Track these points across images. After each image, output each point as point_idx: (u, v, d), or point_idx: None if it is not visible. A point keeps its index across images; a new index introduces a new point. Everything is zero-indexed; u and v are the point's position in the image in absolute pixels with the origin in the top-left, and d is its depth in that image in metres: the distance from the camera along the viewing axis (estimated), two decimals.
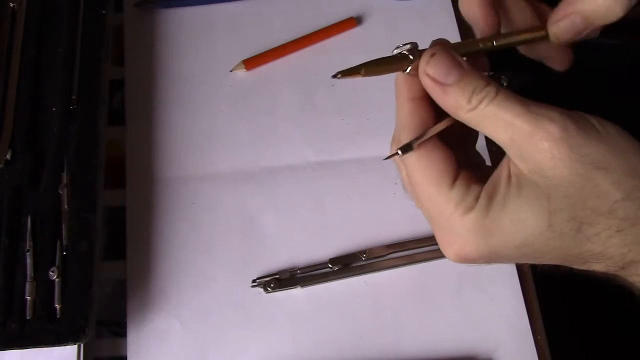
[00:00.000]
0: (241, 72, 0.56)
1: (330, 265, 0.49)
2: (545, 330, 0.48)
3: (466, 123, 0.34)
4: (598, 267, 0.35)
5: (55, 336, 0.44)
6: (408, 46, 0.35)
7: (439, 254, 0.50)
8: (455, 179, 0.35)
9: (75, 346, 0.46)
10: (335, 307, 0.49)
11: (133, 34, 0.57)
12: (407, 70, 0.35)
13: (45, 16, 0.53)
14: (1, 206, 0.47)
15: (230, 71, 0.56)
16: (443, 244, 0.37)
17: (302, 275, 0.49)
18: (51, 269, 0.45)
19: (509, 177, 0.34)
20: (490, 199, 0.34)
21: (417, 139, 0.35)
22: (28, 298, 0.45)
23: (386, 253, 0.50)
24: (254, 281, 0.49)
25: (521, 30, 0.38)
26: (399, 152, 0.35)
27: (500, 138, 0.33)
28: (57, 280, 0.45)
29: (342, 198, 0.52)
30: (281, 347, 0.48)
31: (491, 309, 0.49)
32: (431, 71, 0.34)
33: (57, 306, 0.45)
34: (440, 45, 0.35)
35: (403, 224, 0.51)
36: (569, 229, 0.33)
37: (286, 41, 0.57)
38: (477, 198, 0.34)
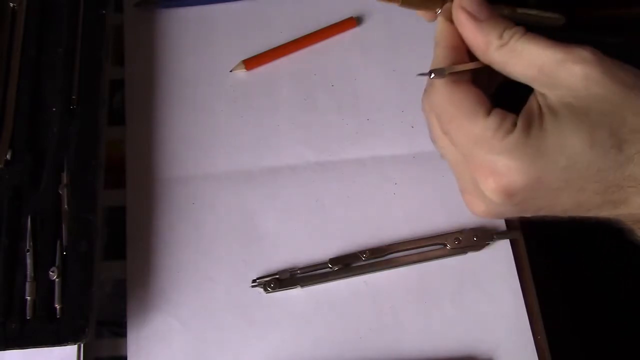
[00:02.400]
0: (241, 72, 0.56)
1: (330, 265, 0.49)
2: (545, 330, 0.48)
3: (494, 63, 0.36)
4: (635, 204, 0.34)
5: (55, 336, 0.44)
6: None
7: (439, 254, 0.50)
8: (490, 110, 0.35)
9: (75, 346, 0.46)
10: (335, 307, 0.49)
11: (133, 34, 0.57)
12: (439, 11, 0.38)
13: (45, 16, 0.53)
14: (1, 206, 0.47)
15: (230, 71, 0.56)
16: (481, 178, 0.35)
17: (302, 275, 0.49)
18: (51, 269, 0.45)
19: (540, 108, 0.35)
20: (529, 123, 0.34)
21: (449, 67, 0.36)
22: (28, 298, 0.45)
23: (386, 253, 0.50)
24: (254, 281, 0.49)
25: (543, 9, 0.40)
26: (432, 74, 0.36)
27: (528, 72, 0.34)
28: (57, 280, 0.45)
29: (342, 198, 0.52)
30: (281, 347, 0.48)
31: (491, 309, 0.49)
32: (466, 3, 0.36)
33: (57, 306, 0.45)
34: None
35: (403, 224, 0.51)
36: (611, 146, 0.32)
37: (286, 41, 0.57)
38: (514, 124, 0.34)
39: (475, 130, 0.35)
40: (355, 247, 0.50)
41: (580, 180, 0.34)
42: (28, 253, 0.46)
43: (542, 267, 0.53)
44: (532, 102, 0.35)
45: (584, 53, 0.33)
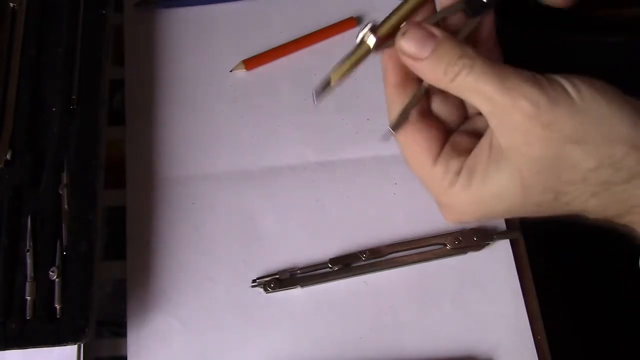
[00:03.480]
0: (241, 72, 0.56)
1: (330, 265, 0.49)
2: (545, 330, 0.48)
3: (452, 92, 0.36)
4: (588, 216, 0.36)
5: (55, 336, 0.44)
6: (369, 25, 0.37)
7: (439, 254, 0.50)
8: (437, 156, 0.37)
9: (75, 346, 0.46)
10: (335, 307, 0.49)
11: (133, 34, 0.57)
12: (371, 51, 0.37)
13: (45, 16, 0.53)
14: (1, 206, 0.47)
15: (230, 71, 0.56)
16: (439, 207, 0.40)
17: (302, 275, 0.49)
18: (51, 269, 0.45)
19: (491, 148, 0.35)
20: (471, 173, 0.36)
21: (396, 124, 0.38)
22: (28, 298, 0.45)
23: (386, 253, 0.50)
24: (254, 281, 0.49)
25: None
26: (382, 138, 0.38)
27: (483, 109, 0.34)
28: (57, 280, 0.45)
29: (342, 198, 0.52)
30: (281, 347, 0.48)
31: (491, 309, 0.49)
32: (405, 47, 0.35)
33: (57, 306, 0.45)
34: (412, 22, 0.36)
35: (403, 224, 0.51)
36: (545, 199, 0.35)
37: (286, 41, 0.57)
38: (457, 173, 0.37)
39: (426, 174, 0.38)
40: (355, 247, 0.50)
41: (523, 213, 0.37)
42: (28, 253, 0.46)
43: (542, 267, 0.53)
44: (483, 143, 0.36)
45: (525, 106, 0.32)
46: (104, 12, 0.53)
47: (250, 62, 0.56)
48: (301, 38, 0.57)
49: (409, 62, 0.36)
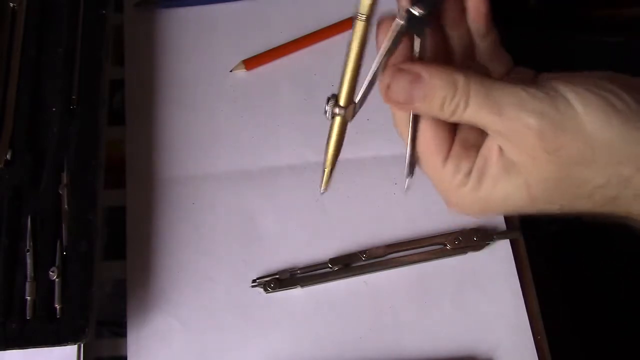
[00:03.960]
0: (241, 72, 0.56)
1: (330, 265, 0.49)
2: (545, 330, 0.48)
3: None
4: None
5: (55, 336, 0.44)
6: (331, 101, 0.37)
7: (439, 254, 0.50)
8: (447, 156, 0.37)
9: (75, 346, 0.46)
10: (335, 307, 0.49)
11: (133, 34, 0.57)
12: (348, 120, 0.38)
13: (45, 16, 0.53)
14: (1, 206, 0.47)
15: (230, 71, 0.56)
16: (446, 202, 0.40)
17: (302, 275, 0.49)
18: (51, 269, 0.45)
19: (501, 154, 0.35)
20: (481, 176, 0.36)
21: (410, 168, 0.39)
22: (28, 298, 0.45)
23: (386, 253, 0.50)
24: (254, 281, 0.49)
25: None
26: (405, 191, 0.39)
27: (489, 131, 0.35)
28: (57, 280, 0.45)
29: (342, 198, 0.52)
30: (281, 347, 0.48)
31: (491, 309, 0.49)
32: (394, 99, 0.35)
33: (57, 306, 0.45)
34: (394, 67, 0.35)
35: (403, 224, 0.51)
36: (551, 208, 0.36)
37: (286, 41, 0.57)
38: (468, 174, 0.36)
39: (435, 174, 0.38)
40: (355, 247, 0.50)
41: (528, 213, 0.37)
42: (28, 253, 0.46)
43: (542, 267, 0.53)
44: (492, 145, 0.36)
45: (530, 136, 0.32)
46: (104, 12, 0.53)
47: (250, 62, 0.56)
48: (301, 38, 0.57)
49: (402, 108, 0.36)
